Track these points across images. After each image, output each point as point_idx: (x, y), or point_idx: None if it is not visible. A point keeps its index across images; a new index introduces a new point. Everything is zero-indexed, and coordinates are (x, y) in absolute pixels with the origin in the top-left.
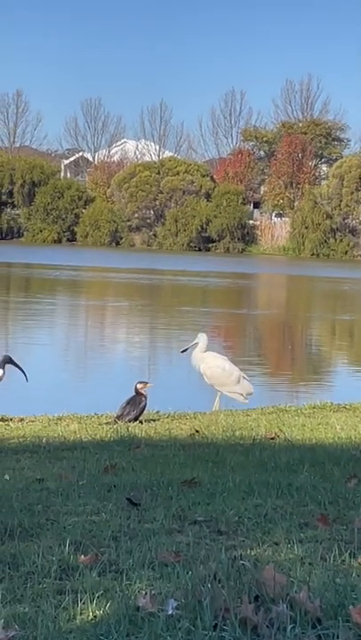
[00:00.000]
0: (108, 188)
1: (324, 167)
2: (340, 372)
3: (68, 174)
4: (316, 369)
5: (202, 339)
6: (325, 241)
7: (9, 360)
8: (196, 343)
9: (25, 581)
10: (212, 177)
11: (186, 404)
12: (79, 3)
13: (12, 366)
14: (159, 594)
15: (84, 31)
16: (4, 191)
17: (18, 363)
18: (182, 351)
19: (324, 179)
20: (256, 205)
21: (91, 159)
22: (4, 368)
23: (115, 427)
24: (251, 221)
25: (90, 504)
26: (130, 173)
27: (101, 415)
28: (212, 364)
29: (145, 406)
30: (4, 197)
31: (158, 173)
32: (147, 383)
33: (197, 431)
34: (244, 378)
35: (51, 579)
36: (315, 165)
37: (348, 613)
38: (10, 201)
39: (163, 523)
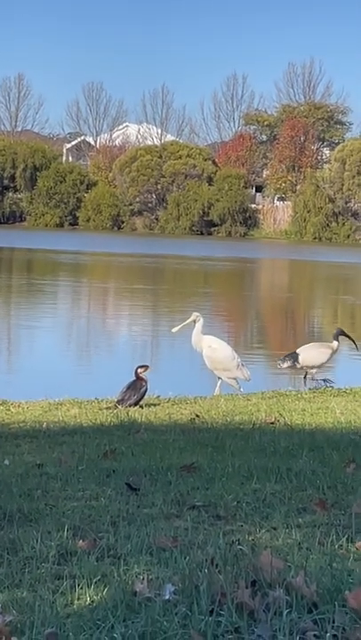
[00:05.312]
0: (110, 172)
1: (327, 151)
2: (340, 356)
3: (70, 158)
4: None
5: (198, 318)
6: (327, 225)
7: (341, 332)
8: (192, 322)
9: (23, 566)
10: (213, 161)
11: (187, 389)
12: None
13: None
14: (157, 579)
15: (84, 14)
16: (6, 175)
17: (349, 334)
18: (174, 330)
19: (326, 162)
20: (258, 189)
21: (93, 143)
22: (338, 340)
23: (115, 411)
24: (253, 205)
25: (89, 489)
26: (132, 157)
27: (102, 400)
28: (215, 346)
29: (146, 391)
30: (6, 182)
31: (160, 157)
32: (147, 367)
33: (197, 416)
34: (242, 365)
35: (49, 564)
36: (317, 149)
37: (345, 598)
38: (12, 185)
39: (161, 508)
